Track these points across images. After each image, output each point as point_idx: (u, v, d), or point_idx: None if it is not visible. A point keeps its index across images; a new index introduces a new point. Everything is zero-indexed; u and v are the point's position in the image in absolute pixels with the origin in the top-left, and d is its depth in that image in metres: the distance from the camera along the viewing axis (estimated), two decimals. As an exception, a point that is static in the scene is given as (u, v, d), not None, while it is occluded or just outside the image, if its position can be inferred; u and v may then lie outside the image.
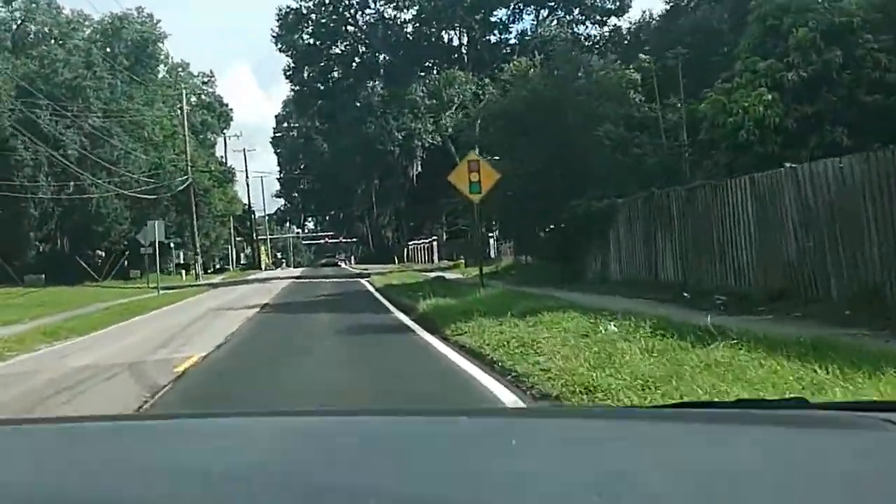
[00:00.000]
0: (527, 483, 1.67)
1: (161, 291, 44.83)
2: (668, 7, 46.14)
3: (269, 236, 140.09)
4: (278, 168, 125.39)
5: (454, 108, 53.25)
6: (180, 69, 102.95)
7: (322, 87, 55.37)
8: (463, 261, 51.77)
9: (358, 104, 54.75)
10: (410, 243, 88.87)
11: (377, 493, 1.59)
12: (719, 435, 2.11)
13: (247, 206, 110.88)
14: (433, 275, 44.59)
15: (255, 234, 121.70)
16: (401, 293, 31.04)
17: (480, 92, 56.01)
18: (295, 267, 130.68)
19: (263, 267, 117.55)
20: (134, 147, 69.07)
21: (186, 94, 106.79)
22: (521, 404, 9.61)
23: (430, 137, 51.47)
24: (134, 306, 33.87)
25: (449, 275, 43.89)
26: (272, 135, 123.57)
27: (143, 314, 30.43)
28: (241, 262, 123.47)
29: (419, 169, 60.39)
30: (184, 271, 69.08)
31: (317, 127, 59.91)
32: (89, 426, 2.74)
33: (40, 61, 65.32)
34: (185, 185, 68.42)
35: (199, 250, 68.21)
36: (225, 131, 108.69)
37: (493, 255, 56.12)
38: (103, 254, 67.18)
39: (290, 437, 2.38)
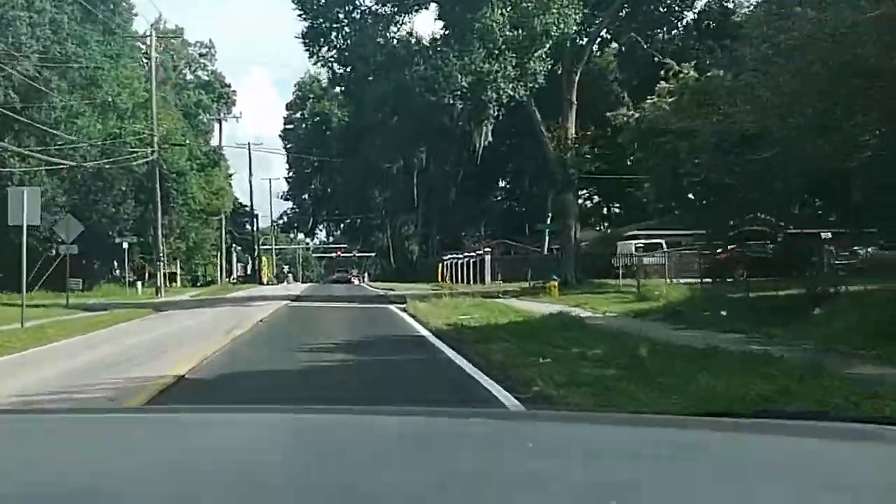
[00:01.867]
0: (536, 487, 1.63)
1: (66, 315, 26.78)
2: None
3: (274, 246, 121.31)
4: (286, 166, 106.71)
5: (547, 46, 34.36)
6: (171, 34, 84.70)
7: (343, 17, 36.36)
8: (555, 281, 32.54)
9: (396, 42, 35.82)
10: (446, 257, 69.86)
11: (381, 495, 1.58)
12: (737, 445, 2.09)
13: (238, 204, 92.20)
14: (515, 304, 26.28)
15: (255, 242, 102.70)
16: (522, 355, 12.41)
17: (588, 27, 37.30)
18: (303, 282, 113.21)
19: (265, 281, 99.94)
20: (82, 110, 50.34)
21: (178, 66, 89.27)
22: None
23: (510, 88, 32.66)
24: None
25: (552, 306, 25.17)
26: (282, 128, 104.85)
27: None
28: (238, 274, 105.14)
29: (489, 137, 41.12)
30: (139, 283, 50.10)
31: (338, 80, 40.17)
32: (89, 417, 2.80)
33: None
34: (146, 161, 49.34)
35: (162, 253, 49.22)
36: (224, 115, 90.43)
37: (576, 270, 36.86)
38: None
39: (296, 434, 2.39)
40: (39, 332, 21.03)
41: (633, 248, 56.44)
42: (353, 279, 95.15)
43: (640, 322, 19.36)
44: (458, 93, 32.98)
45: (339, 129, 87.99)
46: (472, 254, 62.83)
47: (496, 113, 34.78)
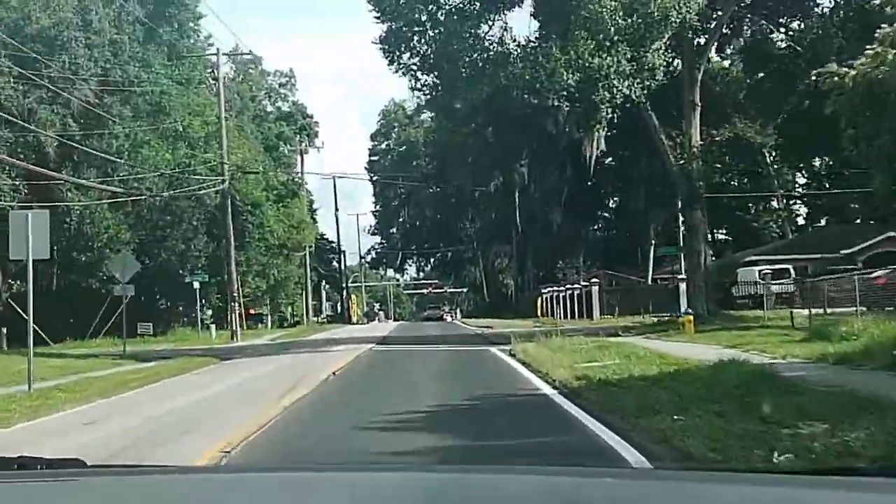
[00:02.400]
0: None
1: (112, 369, 22.58)
2: None
3: (363, 283, 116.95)
4: (373, 200, 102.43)
5: (666, 36, 28.76)
6: (241, 53, 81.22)
7: (426, 18, 31.22)
8: (689, 315, 26.58)
9: (487, 42, 30.50)
10: (545, 290, 64.31)
11: None
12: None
13: (323, 238, 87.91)
14: (649, 345, 20.90)
15: (343, 279, 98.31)
16: (733, 441, 6.83)
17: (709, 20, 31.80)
18: (394, 320, 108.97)
19: (355, 320, 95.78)
20: (147, 138, 46.33)
21: (259, 97, 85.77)
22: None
23: (625, 85, 26.99)
24: None
25: (701, 348, 19.63)
26: (367, 160, 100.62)
27: None
28: (327, 313, 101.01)
29: (602, 146, 35.02)
30: (213, 326, 45.63)
31: (423, 92, 34.56)
32: (162, 478, 2.82)
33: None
34: (217, 191, 44.99)
35: (236, 292, 44.58)
36: (306, 147, 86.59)
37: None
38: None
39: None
40: (40, 398, 16.15)
41: (758, 276, 50.32)
42: (445, 316, 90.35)
43: (860, 374, 13.66)
44: (564, 93, 27.49)
45: (426, 152, 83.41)
46: (576, 285, 57.15)
47: (609, 115, 29.20)
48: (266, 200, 52.34)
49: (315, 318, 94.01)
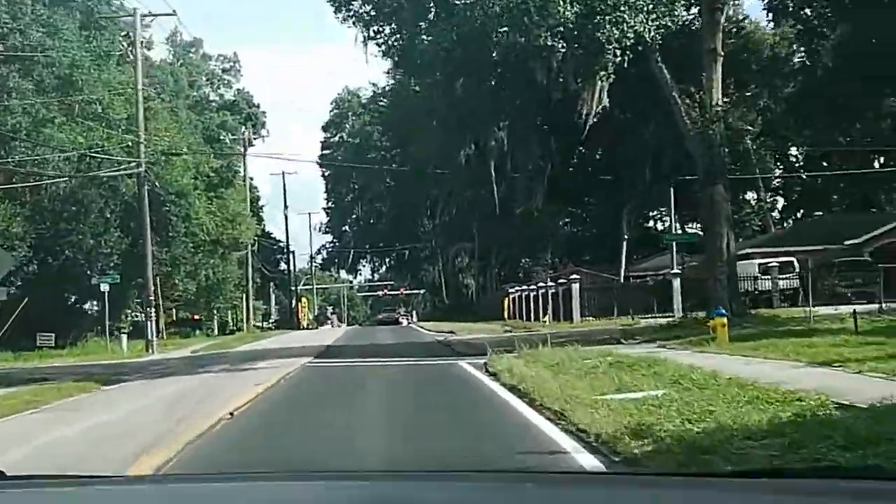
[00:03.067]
0: None
1: None
2: None
3: (315, 286, 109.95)
4: (325, 196, 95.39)
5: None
6: (187, 47, 74.04)
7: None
8: (722, 318, 20.04)
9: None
10: (511, 290, 58.06)
11: None
12: None
13: (268, 236, 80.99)
14: (693, 361, 14.75)
15: (291, 282, 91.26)
16: None
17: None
18: (349, 324, 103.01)
19: (305, 324, 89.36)
20: (53, 115, 39.28)
21: (200, 84, 78.37)
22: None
23: (637, 21, 20.62)
24: None
25: (776, 365, 13.17)
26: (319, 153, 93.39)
27: None
28: (274, 318, 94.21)
29: (605, 101, 28.23)
30: (125, 337, 38.61)
31: (378, 45, 27.44)
32: (99, 489, 2.83)
33: None
34: (131, 174, 38.03)
35: (152, 295, 37.58)
36: (250, 137, 79.49)
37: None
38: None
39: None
40: None
41: (757, 270, 44.34)
42: (401, 319, 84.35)
43: None
44: (560, 29, 21.05)
45: (382, 130, 76.39)
46: (550, 284, 50.67)
47: (618, 59, 22.66)
48: (194, 189, 45.24)
49: (260, 324, 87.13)
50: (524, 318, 50.55)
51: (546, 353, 18.81)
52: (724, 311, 20.36)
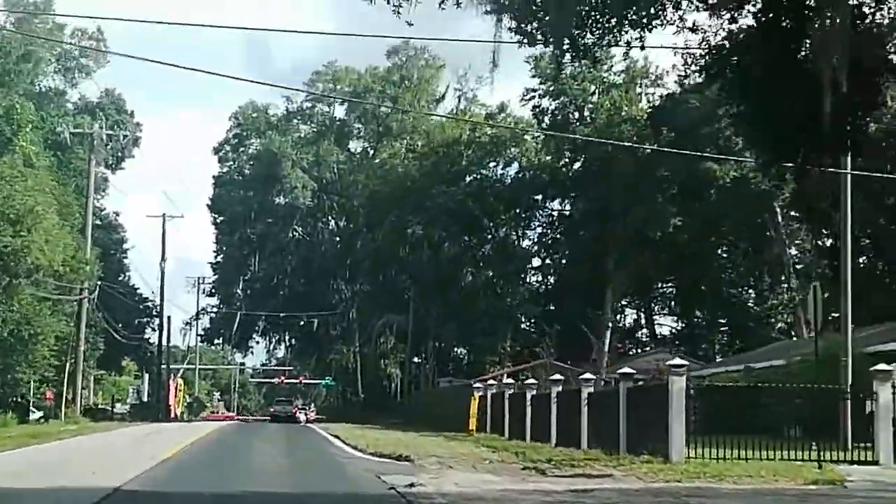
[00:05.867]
0: None
1: None
2: None
3: (198, 366, 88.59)
4: (214, 248, 74.41)
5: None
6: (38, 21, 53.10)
7: None
8: None
9: None
10: (477, 385, 38.07)
11: None
12: None
13: (128, 286, 59.87)
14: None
15: (161, 355, 69.18)
16: None
17: None
18: (238, 414, 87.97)
19: (179, 413, 68.87)
20: None
21: (47, 67, 56.84)
22: None
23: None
24: None
25: None
26: (210, 195, 72.32)
27: None
28: (132, 401, 73.05)
29: None
30: None
31: None
32: None
33: None
34: None
35: None
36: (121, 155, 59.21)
37: None
38: None
39: None
40: None
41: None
42: (298, 414, 65.06)
43: None
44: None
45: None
46: (531, 382, 30.57)
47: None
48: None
49: (108, 407, 65.67)
50: (507, 434, 30.12)
51: None
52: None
